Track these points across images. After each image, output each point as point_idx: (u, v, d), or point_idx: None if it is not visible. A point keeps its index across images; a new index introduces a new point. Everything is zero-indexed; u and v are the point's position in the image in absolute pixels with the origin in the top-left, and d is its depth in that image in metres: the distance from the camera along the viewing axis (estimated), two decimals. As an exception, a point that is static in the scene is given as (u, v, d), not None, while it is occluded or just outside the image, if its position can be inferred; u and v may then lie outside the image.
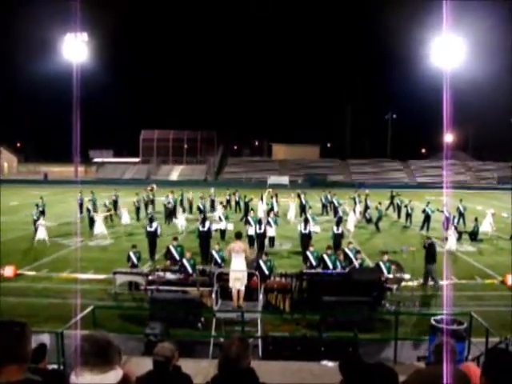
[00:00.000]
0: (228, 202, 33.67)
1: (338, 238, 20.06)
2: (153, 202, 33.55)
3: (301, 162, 74.32)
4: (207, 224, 20.01)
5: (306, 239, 19.83)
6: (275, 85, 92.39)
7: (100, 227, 24.03)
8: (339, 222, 22.60)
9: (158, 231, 20.03)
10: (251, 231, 21.13)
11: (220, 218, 23.98)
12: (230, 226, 23.20)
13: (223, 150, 79.30)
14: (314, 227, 21.30)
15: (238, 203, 34.08)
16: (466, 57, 48.76)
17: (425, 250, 15.97)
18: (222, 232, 23.43)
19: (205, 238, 19.62)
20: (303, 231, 20.29)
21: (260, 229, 20.63)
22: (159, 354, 4.40)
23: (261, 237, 20.70)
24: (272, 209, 27.96)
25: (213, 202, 33.07)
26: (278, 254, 20.90)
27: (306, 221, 21.10)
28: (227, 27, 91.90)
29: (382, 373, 3.59)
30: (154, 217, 23.12)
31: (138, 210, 30.30)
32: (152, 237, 19.68)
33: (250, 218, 22.15)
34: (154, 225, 19.91)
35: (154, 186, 37.56)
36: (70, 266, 17.41)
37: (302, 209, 29.75)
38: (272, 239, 22.33)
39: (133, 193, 33.22)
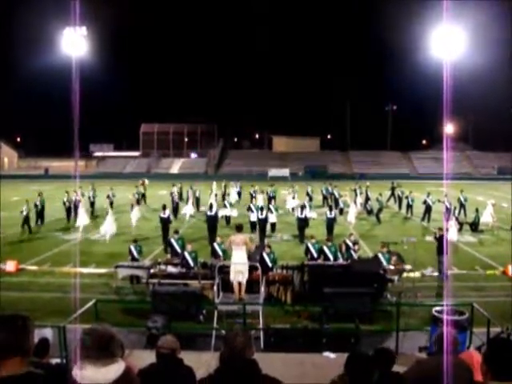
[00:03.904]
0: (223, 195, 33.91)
1: (330, 222, 22.28)
2: (144, 196, 33.93)
3: (301, 154, 74.25)
4: (214, 209, 22.05)
5: (302, 223, 22.27)
6: (275, 76, 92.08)
7: (83, 219, 23.70)
8: (332, 207, 24.62)
9: (171, 218, 22.19)
10: (253, 217, 22.95)
11: (225, 205, 26.22)
12: (235, 213, 25.80)
13: (223, 142, 79.23)
14: (310, 213, 23.51)
15: (239, 194, 35.35)
16: (467, 47, 48.53)
17: (437, 242, 16.02)
18: (227, 218, 25.64)
19: (212, 221, 21.71)
20: (300, 216, 22.40)
21: (262, 215, 22.15)
22: (164, 347, 4.42)
23: (262, 222, 22.10)
24: (274, 197, 29.45)
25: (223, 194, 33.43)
26: (276, 240, 22.28)
27: (303, 207, 23.06)
28: (227, 20, 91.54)
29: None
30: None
31: (138, 202, 30.74)
32: (165, 223, 21.38)
33: (251, 205, 24.25)
34: (167, 212, 21.70)
35: (146, 181, 37.68)
36: (72, 260, 17.43)
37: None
38: (273, 225, 23.91)
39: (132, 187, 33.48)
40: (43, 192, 28.72)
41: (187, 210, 26.30)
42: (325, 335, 10.36)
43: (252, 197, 28.84)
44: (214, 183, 36.52)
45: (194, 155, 79.61)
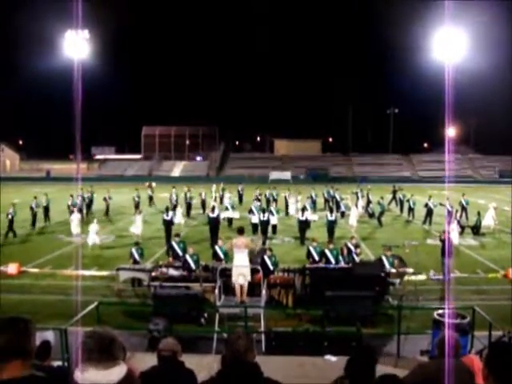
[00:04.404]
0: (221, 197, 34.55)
1: (331, 225, 22.59)
2: (151, 198, 34.07)
3: (303, 157, 74.21)
4: (216, 211, 22.61)
5: (303, 225, 22.65)
6: (276, 79, 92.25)
7: (76, 228, 22.78)
8: (332, 209, 25.36)
9: (174, 219, 22.61)
10: (255, 219, 23.35)
11: (227, 208, 26.66)
12: (237, 215, 26.17)
13: (225, 145, 79.24)
14: (311, 215, 24.01)
15: (240, 197, 35.80)
16: (468, 50, 48.52)
17: (442, 244, 15.98)
18: (229, 220, 26.17)
19: (214, 223, 22.13)
20: (301, 218, 22.76)
21: (264, 216, 22.54)
22: (166, 350, 4.42)
23: (264, 224, 22.51)
24: (275, 200, 30.27)
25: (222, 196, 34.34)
26: (277, 241, 22.56)
27: (304, 209, 23.50)
28: (229, 23, 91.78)
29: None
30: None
31: (137, 205, 30.82)
32: (168, 225, 21.93)
33: (253, 207, 24.51)
34: (170, 214, 22.37)
35: (153, 183, 37.71)
36: (74, 262, 17.44)
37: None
38: (274, 227, 24.14)
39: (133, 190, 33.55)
40: (42, 194, 28.76)
41: (178, 219, 25.06)
42: (326, 338, 10.35)
43: (258, 200, 29.17)
44: (214, 186, 36.75)
45: (198, 158, 79.39)
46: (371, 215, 29.35)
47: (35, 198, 27.29)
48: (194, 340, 10.74)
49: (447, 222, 24.10)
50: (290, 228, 25.38)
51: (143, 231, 22.93)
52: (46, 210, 27.71)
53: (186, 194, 32.28)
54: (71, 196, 28.37)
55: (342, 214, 28.66)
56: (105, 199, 30.90)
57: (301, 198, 31.34)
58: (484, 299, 13.68)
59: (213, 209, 22.73)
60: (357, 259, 15.05)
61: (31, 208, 26.50)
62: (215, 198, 32.59)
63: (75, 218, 23.34)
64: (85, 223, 24.70)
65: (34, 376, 2.64)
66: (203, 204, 31.77)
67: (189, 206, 30.97)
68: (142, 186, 36.89)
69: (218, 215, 22.83)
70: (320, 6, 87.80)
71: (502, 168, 65.61)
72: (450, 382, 3.70)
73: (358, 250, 15.56)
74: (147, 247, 19.18)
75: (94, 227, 20.92)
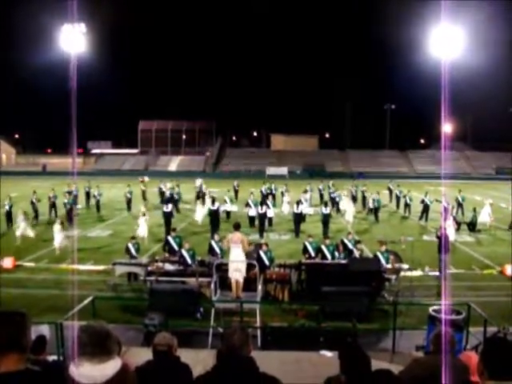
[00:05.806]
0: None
1: (326, 218, 22.83)
2: (144, 193, 33.88)
3: (299, 153, 74.14)
4: (216, 204, 23.39)
5: (298, 218, 23.14)
6: (274, 75, 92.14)
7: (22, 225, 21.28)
8: (327, 203, 25.15)
9: (174, 212, 23.23)
10: (252, 212, 23.97)
11: (225, 201, 27.08)
12: (235, 208, 26.93)
13: (222, 140, 79.11)
14: (306, 209, 24.76)
15: (236, 192, 35.36)
16: (465, 47, 48.48)
17: (439, 241, 15.98)
18: (228, 213, 26.74)
19: (214, 215, 22.99)
20: (295, 211, 23.22)
21: (261, 209, 23.04)
22: (161, 344, 4.41)
23: (261, 217, 22.96)
24: (272, 194, 30.92)
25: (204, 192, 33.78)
26: (273, 234, 22.99)
27: (299, 202, 23.85)
28: (226, 18, 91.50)
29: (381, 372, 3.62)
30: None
31: (129, 201, 30.58)
32: (167, 217, 22.53)
33: (249, 201, 24.88)
34: (170, 206, 22.96)
35: (146, 178, 37.46)
36: (69, 257, 17.40)
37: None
38: (270, 219, 24.87)
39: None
40: (39, 188, 28.68)
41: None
42: (322, 334, 10.36)
43: (272, 194, 30.62)
44: (197, 180, 36.17)
45: (208, 153, 78.52)
46: (370, 210, 29.35)
47: (34, 192, 27.14)
48: (190, 335, 10.75)
49: (443, 218, 24.14)
50: (285, 222, 25.66)
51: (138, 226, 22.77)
52: (53, 204, 27.66)
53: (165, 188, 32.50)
54: (68, 193, 28.14)
55: (338, 210, 28.77)
56: (94, 196, 30.67)
57: (308, 196, 31.22)
58: (479, 295, 13.69)
59: (213, 201, 23.40)
60: (356, 255, 15.06)
61: (32, 202, 26.40)
62: (197, 193, 32.76)
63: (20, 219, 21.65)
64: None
65: (30, 370, 2.64)
66: (203, 197, 31.82)
67: (176, 201, 30.83)
68: (135, 181, 36.68)
69: (218, 208, 23.39)
70: (318, 3, 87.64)
71: (499, 165, 65.70)
72: (445, 378, 3.71)
73: (359, 246, 15.54)
74: (143, 242, 19.18)
75: (56, 227, 19.29)
